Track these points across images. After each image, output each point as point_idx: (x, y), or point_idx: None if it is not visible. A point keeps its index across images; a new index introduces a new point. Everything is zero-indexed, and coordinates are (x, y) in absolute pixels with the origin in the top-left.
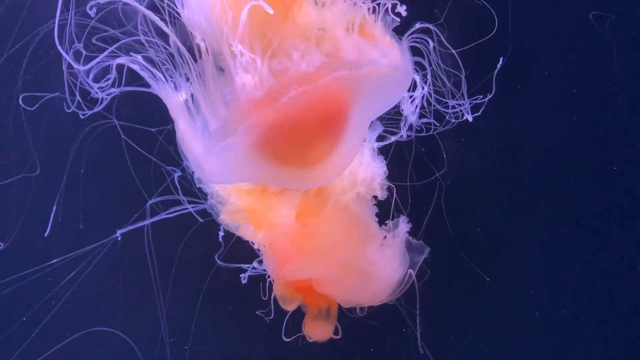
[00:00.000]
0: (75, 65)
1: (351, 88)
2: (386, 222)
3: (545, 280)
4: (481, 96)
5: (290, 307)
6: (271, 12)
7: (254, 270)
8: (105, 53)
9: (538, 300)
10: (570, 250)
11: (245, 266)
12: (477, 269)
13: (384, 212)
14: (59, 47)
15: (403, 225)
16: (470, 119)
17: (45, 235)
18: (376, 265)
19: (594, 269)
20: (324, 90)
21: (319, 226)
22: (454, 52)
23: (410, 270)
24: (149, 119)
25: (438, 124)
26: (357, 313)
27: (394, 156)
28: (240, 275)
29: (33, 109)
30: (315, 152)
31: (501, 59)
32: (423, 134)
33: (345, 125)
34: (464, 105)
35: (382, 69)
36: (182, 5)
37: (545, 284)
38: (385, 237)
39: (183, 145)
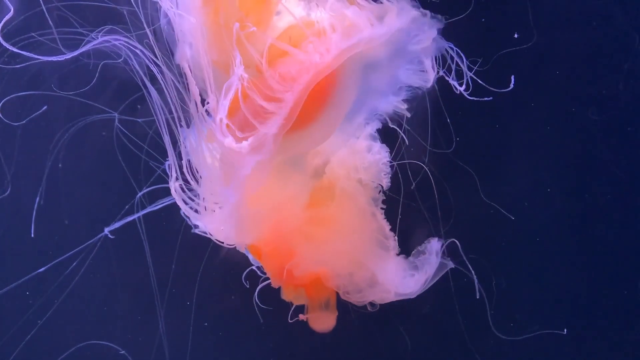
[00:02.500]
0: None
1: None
2: (419, 247)
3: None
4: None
5: (301, 302)
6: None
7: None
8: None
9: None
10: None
11: None
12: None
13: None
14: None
15: (436, 247)
16: (460, 89)
17: (32, 235)
18: (387, 274)
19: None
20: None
21: (329, 214)
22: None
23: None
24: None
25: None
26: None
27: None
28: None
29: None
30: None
31: (512, 79)
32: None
33: (340, 89)
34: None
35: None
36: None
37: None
38: (413, 261)
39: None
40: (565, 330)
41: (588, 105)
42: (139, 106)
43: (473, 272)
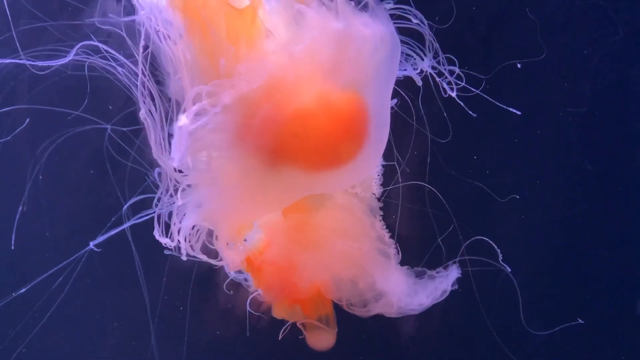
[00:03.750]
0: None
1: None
2: (437, 269)
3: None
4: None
5: (294, 319)
6: None
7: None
8: None
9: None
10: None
11: None
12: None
13: None
14: None
15: (454, 275)
16: (451, 93)
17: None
18: (389, 283)
19: None
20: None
21: (326, 224)
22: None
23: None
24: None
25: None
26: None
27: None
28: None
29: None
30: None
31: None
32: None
33: (363, 112)
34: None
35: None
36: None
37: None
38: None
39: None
40: (578, 319)
41: (586, 104)
42: (110, 107)
43: (501, 255)
